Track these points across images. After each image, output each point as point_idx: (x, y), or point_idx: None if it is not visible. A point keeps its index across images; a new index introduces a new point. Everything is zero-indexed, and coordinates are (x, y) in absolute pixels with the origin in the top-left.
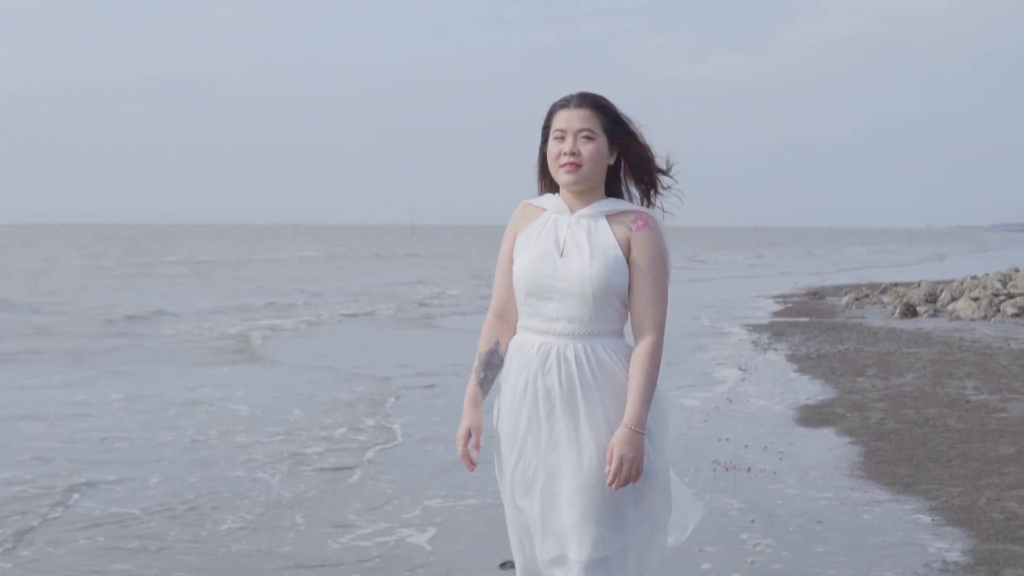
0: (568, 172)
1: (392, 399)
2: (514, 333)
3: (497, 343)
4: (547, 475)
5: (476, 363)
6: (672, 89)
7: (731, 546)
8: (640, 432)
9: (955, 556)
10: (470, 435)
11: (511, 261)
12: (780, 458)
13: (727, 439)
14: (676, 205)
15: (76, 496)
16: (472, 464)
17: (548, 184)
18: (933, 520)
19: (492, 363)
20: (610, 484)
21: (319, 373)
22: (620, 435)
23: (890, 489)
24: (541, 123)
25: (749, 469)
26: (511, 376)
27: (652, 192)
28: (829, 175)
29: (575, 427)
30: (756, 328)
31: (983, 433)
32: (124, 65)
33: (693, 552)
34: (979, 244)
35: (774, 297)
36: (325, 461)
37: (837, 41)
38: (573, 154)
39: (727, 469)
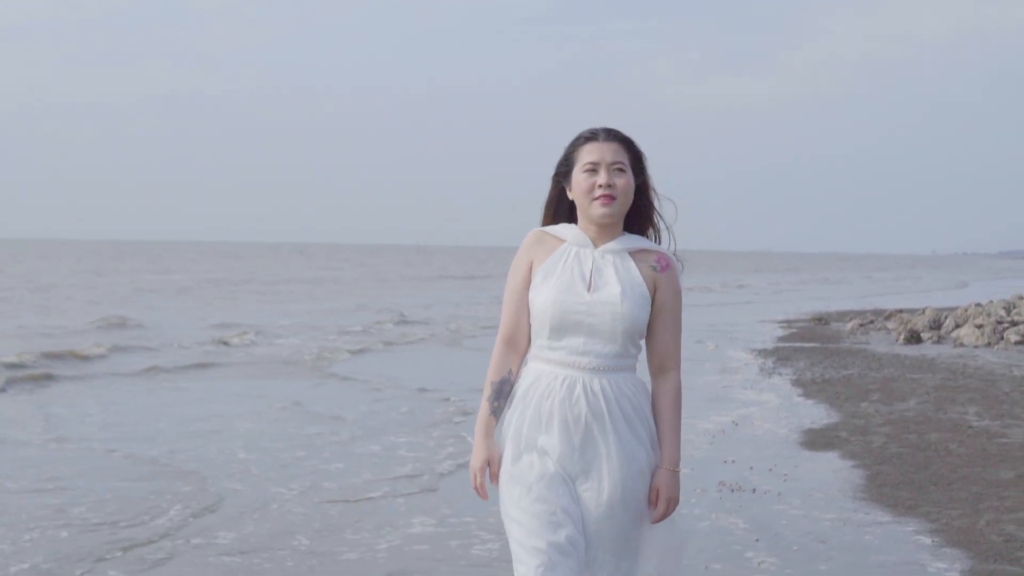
0: (604, 204)
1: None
2: (523, 359)
3: (509, 371)
4: (576, 499)
5: (488, 392)
6: (677, 112)
7: (736, 564)
8: (678, 471)
9: None
10: (488, 465)
11: (524, 288)
12: (785, 480)
13: (733, 461)
14: (680, 231)
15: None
16: (486, 495)
17: (561, 217)
18: (933, 541)
19: (504, 391)
20: (655, 523)
21: (402, 391)
22: (665, 477)
23: (892, 511)
24: (561, 156)
25: (754, 490)
26: (532, 403)
27: (660, 229)
28: (832, 199)
29: (601, 459)
30: (762, 353)
31: (984, 458)
32: (128, 83)
33: (699, 570)
34: (994, 271)
35: (779, 322)
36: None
37: (842, 64)
38: (610, 186)
39: (733, 490)
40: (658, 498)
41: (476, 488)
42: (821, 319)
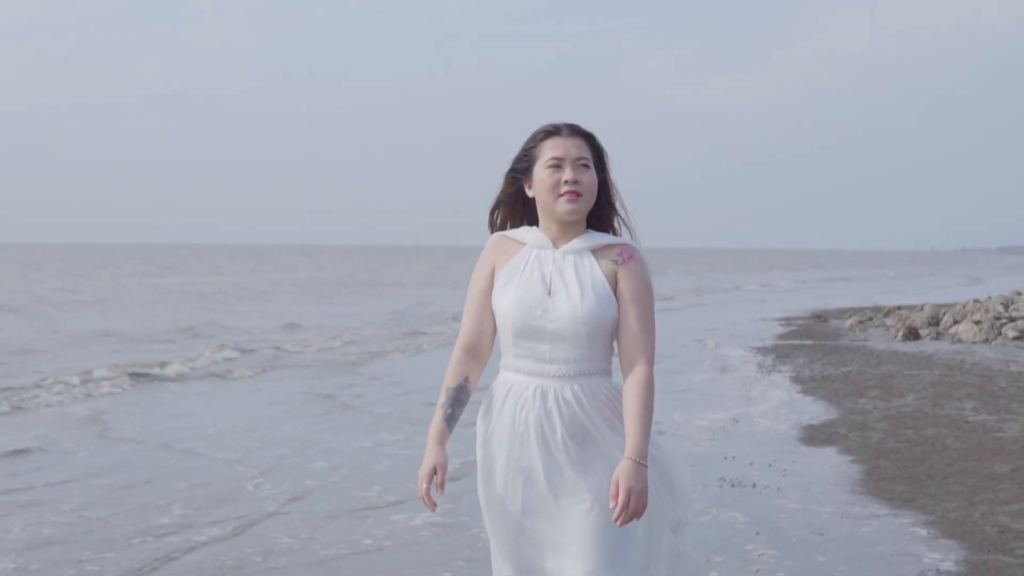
0: (569, 201)
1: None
2: (483, 368)
3: (466, 379)
4: (558, 518)
5: (443, 398)
6: (673, 108)
7: (737, 556)
8: (644, 464)
9: (948, 566)
10: (435, 472)
11: (486, 295)
12: (784, 475)
13: (733, 457)
14: (676, 229)
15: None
16: (434, 504)
17: (511, 218)
18: (929, 533)
19: (460, 399)
20: (616, 519)
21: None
22: (625, 468)
23: (889, 504)
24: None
25: (754, 485)
26: (504, 417)
27: (621, 227)
28: (830, 195)
29: (582, 470)
30: (761, 351)
31: (980, 452)
32: (125, 82)
33: (701, 562)
34: (1002, 268)
35: (779, 320)
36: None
37: (839, 59)
38: (576, 182)
39: (733, 485)
40: (618, 490)
41: (422, 497)
42: (820, 316)
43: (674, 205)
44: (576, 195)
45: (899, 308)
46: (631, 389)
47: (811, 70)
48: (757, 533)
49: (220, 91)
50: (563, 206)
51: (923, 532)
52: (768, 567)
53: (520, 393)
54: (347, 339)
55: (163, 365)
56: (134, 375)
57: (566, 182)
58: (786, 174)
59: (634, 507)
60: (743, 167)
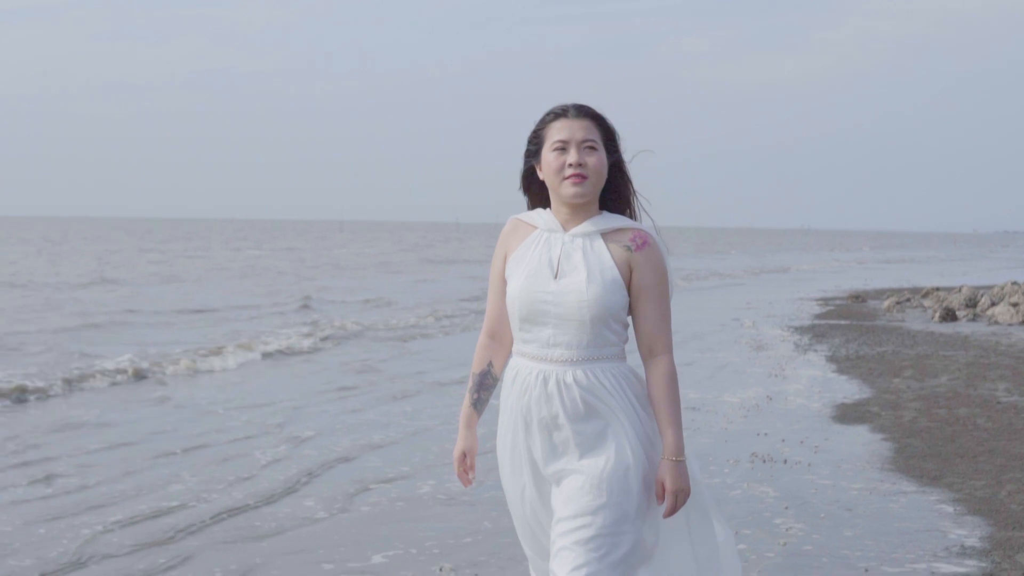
0: (574, 184)
1: None
2: (508, 353)
3: (490, 364)
4: (556, 499)
5: (470, 383)
6: (707, 89)
7: (766, 529)
8: (683, 460)
9: (973, 542)
10: (465, 456)
11: (503, 280)
12: (815, 452)
13: (766, 434)
14: (714, 209)
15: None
16: (468, 481)
17: (535, 199)
18: (955, 510)
19: (485, 384)
20: (666, 517)
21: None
22: (667, 468)
23: (917, 481)
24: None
25: (785, 461)
26: (510, 402)
27: (637, 209)
28: (870, 177)
29: (584, 455)
30: (798, 330)
31: (1010, 432)
32: (157, 61)
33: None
34: None
35: (817, 300)
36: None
37: (873, 40)
38: (580, 165)
39: (764, 461)
40: (664, 491)
41: (458, 476)
42: (858, 297)
43: (714, 185)
44: (581, 178)
45: (937, 289)
46: (657, 384)
47: (849, 50)
48: (786, 507)
49: (254, 71)
50: (568, 189)
51: (950, 509)
52: (796, 540)
53: (525, 378)
54: (441, 313)
55: (275, 340)
56: (266, 353)
57: (570, 165)
58: (826, 155)
59: (681, 504)
60: (782, 148)
